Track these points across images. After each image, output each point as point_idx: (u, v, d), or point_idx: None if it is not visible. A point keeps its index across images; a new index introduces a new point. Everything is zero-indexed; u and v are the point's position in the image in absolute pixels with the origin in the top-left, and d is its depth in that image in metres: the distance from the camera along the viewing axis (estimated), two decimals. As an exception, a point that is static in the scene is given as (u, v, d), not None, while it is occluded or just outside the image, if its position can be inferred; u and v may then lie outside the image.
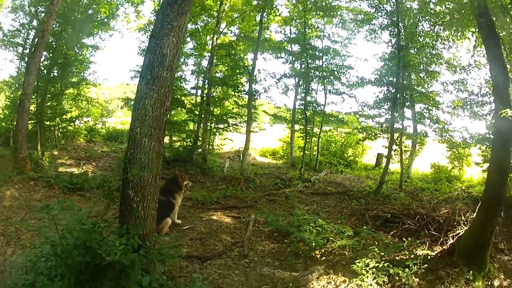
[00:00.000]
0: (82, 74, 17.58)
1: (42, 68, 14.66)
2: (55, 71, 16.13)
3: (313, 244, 6.65)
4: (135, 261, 3.94)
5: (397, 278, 5.24)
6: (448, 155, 16.04)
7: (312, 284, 5.73)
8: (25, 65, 14.06)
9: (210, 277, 5.88)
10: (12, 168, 11.62)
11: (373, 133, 13.88)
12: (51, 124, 16.54)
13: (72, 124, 18.37)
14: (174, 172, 9.89)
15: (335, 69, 15.89)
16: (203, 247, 7.30)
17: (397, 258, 5.93)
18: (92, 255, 3.87)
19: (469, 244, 5.59)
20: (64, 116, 17.42)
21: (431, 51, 13.13)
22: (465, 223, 6.45)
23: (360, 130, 14.77)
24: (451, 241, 5.99)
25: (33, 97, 13.49)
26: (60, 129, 17.43)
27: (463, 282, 5.24)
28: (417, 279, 5.22)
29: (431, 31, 12.64)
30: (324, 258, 6.52)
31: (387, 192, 11.81)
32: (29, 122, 13.44)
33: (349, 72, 15.75)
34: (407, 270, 5.27)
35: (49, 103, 16.20)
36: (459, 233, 6.10)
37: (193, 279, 5.34)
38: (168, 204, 7.56)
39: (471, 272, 5.26)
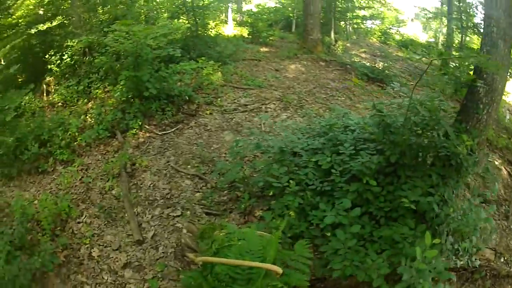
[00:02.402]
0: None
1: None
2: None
3: None
4: (469, 163, 4.10)
5: None
6: None
7: None
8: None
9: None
10: (299, 47, 13.10)
11: None
12: (342, 17, 17.29)
13: (364, 22, 19.05)
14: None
15: None
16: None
17: None
18: (430, 144, 4.12)
19: None
20: (355, 13, 17.85)
21: None
22: None
23: None
24: None
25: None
26: (352, 25, 18.42)
27: None
28: None
29: None
30: None
31: None
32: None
33: None
34: None
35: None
36: None
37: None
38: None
39: None
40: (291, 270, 3.40)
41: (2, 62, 8.71)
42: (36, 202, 5.61)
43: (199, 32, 10.83)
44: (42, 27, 8.54)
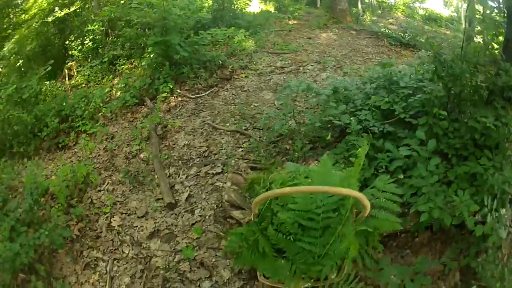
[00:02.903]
0: None
1: None
2: None
3: None
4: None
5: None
6: None
7: None
8: None
9: None
10: (328, 18, 12.27)
11: None
12: None
13: None
14: None
15: None
16: None
17: None
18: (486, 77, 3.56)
19: None
20: None
21: None
22: None
23: None
24: None
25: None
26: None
27: None
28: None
29: None
30: None
31: None
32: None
33: None
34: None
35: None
36: None
37: None
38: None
39: None
40: (378, 211, 2.38)
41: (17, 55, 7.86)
42: (53, 177, 4.42)
43: (226, 5, 9.74)
44: (60, 13, 7.74)
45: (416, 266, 2.86)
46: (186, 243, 3.31)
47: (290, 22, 11.77)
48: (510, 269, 2.84)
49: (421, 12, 19.86)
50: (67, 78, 7.60)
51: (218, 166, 4.12)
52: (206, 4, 9.76)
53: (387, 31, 11.03)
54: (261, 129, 4.80)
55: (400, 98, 3.98)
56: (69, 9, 7.86)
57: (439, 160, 3.19)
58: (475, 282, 2.92)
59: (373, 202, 2.44)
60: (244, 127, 4.89)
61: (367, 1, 17.03)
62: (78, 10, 8.24)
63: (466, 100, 3.64)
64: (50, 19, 7.69)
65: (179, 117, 5.33)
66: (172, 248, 3.30)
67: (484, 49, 3.70)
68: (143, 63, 6.48)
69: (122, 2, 8.50)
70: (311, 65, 7.49)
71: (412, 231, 3.19)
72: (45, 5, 8.09)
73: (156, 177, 4.10)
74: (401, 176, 3.23)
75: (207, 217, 3.54)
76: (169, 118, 5.30)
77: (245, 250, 2.39)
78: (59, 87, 7.23)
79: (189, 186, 3.92)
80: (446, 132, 3.46)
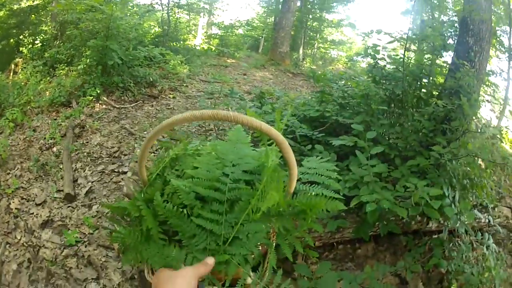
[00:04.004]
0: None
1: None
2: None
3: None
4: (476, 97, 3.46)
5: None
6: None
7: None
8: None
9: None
10: (267, 59, 12.54)
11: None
12: (311, 37, 16.88)
13: (332, 47, 18.52)
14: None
15: None
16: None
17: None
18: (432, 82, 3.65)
19: None
20: (324, 34, 17.36)
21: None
22: None
23: None
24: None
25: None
26: (320, 50, 17.85)
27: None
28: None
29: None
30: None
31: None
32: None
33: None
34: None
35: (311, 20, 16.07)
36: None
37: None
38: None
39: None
40: (311, 186, 1.54)
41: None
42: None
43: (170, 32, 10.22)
44: (25, 3, 8.04)
45: (369, 274, 2.38)
46: (77, 237, 3.20)
47: (228, 61, 12.07)
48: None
49: (363, 65, 20.53)
50: (11, 73, 7.64)
51: (125, 166, 4.30)
52: (153, 31, 10.12)
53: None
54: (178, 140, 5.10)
55: (332, 108, 3.82)
56: (32, 2, 7.99)
57: (382, 149, 2.77)
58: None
59: (303, 177, 1.56)
60: (162, 137, 5.18)
61: (310, 52, 17.38)
62: (39, 5, 8.32)
63: (407, 103, 3.48)
64: (15, 7, 7.84)
65: (99, 121, 5.59)
66: (62, 242, 3.20)
67: (432, 58, 3.71)
68: (79, 67, 6.66)
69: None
70: (242, 94, 7.62)
71: (353, 238, 2.78)
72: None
73: (61, 167, 4.31)
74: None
75: (103, 213, 3.52)
76: (90, 121, 5.53)
77: (127, 234, 1.53)
78: (3, 80, 7.24)
79: (92, 182, 4.07)
80: (386, 134, 3.19)
